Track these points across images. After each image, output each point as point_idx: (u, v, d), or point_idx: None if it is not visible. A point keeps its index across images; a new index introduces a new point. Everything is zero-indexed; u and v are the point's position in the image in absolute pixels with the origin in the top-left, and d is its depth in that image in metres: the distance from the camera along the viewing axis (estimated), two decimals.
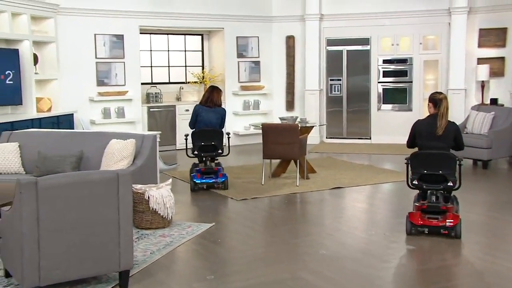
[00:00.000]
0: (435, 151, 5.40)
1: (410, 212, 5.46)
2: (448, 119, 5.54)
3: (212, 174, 7.44)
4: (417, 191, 5.65)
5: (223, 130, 7.55)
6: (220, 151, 7.45)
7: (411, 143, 5.69)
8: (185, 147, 7.63)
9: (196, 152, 7.42)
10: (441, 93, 5.67)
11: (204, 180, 7.40)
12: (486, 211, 6.54)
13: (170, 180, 5.93)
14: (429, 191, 5.46)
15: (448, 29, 11.20)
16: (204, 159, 7.49)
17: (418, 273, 4.64)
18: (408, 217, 5.43)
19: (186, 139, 7.52)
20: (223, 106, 7.75)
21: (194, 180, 7.38)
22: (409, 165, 5.48)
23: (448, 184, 5.37)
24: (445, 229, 5.31)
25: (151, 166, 6.18)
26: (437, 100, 5.52)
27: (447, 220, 5.30)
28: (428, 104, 5.61)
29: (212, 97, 7.49)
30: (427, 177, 5.42)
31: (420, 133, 5.55)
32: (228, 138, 7.70)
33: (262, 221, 6.24)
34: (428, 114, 5.64)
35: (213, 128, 7.42)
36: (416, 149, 5.60)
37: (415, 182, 5.44)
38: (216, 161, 7.65)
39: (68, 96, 9.91)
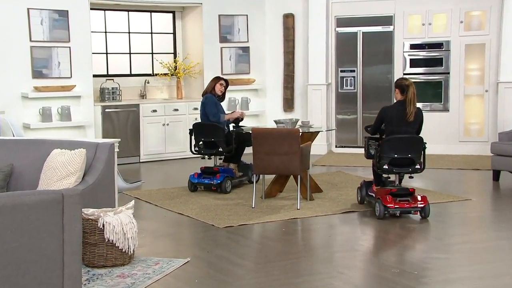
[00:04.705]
0: (407, 136, 7.21)
1: (382, 196, 7.18)
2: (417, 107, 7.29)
3: (212, 174, 8.60)
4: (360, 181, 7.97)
5: (224, 124, 8.81)
6: (220, 149, 8.62)
7: (376, 130, 7.53)
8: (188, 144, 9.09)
9: (197, 149, 8.84)
10: (407, 79, 7.57)
11: (201, 180, 8.59)
12: None
13: (132, 202, 5.91)
14: (396, 175, 7.34)
15: (501, 2, 11.20)
16: (208, 157, 8.89)
17: None
18: (380, 202, 7.13)
19: (190, 134, 8.95)
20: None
21: (191, 180, 8.63)
22: (379, 150, 7.23)
23: (416, 166, 7.28)
24: (416, 210, 7.18)
25: (107, 184, 6.16)
26: (403, 86, 7.27)
27: (418, 202, 7.15)
28: (395, 90, 7.41)
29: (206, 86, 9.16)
30: (396, 161, 7.22)
31: (390, 120, 7.29)
32: (232, 132, 8.83)
33: (253, 256, 6.23)
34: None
35: (204, 120, 8.79)
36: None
37: (386, 166, 7.21)
38: (226, 161, 8.95)
39: None
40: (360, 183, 7.90)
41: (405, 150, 7.20)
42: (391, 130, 7.29)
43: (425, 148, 7.34)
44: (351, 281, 5.39)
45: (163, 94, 12.14)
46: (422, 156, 7.33)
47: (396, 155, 7.19)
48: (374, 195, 7.49)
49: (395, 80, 11.56)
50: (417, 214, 7.24)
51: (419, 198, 7.21)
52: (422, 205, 7.17)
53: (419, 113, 7.33)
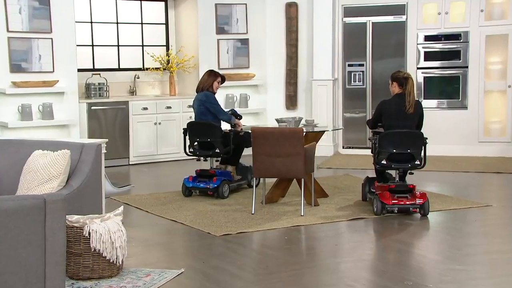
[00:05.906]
0: (406, 130, 7.52)
1: (379, 193, 7.53)
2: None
3: (208, 177, 8.63)
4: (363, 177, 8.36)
5: (223, 123, 8.88)
6: (217, 150, 8.61)
7: (374, 123, 7.92)
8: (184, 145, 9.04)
9: (192, 150, 8.86)
10: (404, 71, 8.05)
11: (196, 184, 8.60)
12: None
13: (121, 208, 5.92)
14: (395, 171, 7.71)
15: None
16: (204, 159, 8.87)
17: None
18: (378, 198, 7.49)
19: (184, 134, 8.91)
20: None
21: (185, 183, 8.65)
22: (377, 144, 7.55)
23: (416, 162, 7.57)
24: (414, 207, 7.50)
25: (93, 189, 6.16)
26: (401, 79, 7.64)
27: (417, 199, 7.47)
28: (392, 84, 7.73)
29: (201, 81, 9.04)
30: (395, 157, 7.53)
31: (388, 113, 7.66)
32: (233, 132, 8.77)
33: (252, 266, 6.24)
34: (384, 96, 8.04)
35: (202, 120, 8.77)
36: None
37: (384, 162, 7.55)
38: (225, 163, 9.00)
39: None
40: (364, 179, 8.29)
41: (404, 145, 7.53)
42: (390, 124, 7.65)
43: (426, 143, 7.63)
44: None
45: (155, 90, 12.15)
46: (423, 152, 7.61)
47: (394, 150, 7.51)
48: (375, 191, 7.81)
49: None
50: (416, 211, 7.56)
51: (418, 194, 7.53)
52: (421, 202, 7.48)
53: (418, 106, 7.70)
